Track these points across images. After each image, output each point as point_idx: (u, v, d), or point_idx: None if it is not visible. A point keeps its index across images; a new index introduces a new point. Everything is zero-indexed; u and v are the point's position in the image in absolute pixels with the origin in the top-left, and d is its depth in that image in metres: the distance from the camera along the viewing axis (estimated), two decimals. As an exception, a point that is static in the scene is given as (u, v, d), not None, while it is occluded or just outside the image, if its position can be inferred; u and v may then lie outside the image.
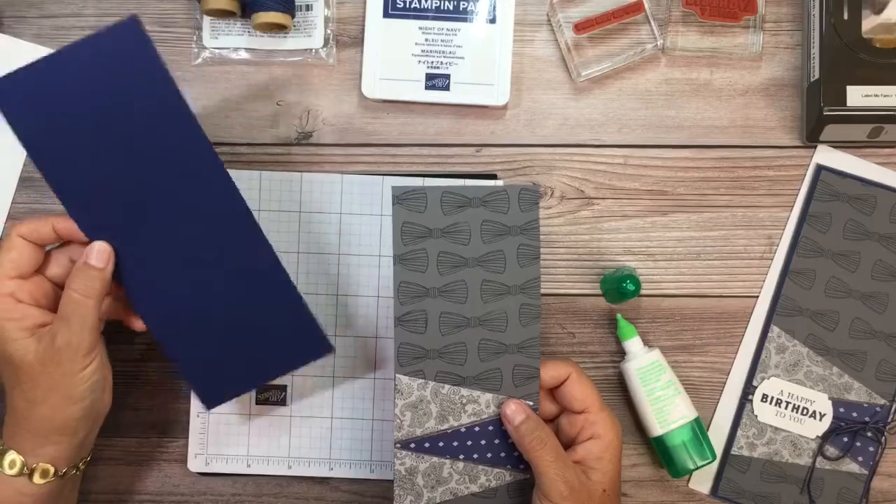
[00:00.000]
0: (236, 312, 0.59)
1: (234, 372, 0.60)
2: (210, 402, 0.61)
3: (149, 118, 0.55)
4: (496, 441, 0.58)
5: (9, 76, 0.54)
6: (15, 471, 0.55)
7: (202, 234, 0.57)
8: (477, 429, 0.57)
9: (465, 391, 0.57)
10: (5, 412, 0.56)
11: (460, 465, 0.57)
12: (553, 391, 0.60)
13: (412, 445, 0.57)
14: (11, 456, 0.55)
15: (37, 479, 0.55)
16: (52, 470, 0.56)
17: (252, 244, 0.58)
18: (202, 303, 0.58)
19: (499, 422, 0.57)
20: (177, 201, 0.57)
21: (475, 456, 0.58)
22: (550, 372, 0.58)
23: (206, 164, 0.56)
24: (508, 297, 0.57)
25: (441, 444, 0.57)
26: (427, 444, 0.57)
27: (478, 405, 0.57)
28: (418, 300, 0.57)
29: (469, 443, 0.57)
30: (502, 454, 0.58)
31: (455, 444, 0.57)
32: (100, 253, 0.55)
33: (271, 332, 0.59)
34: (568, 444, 0.58)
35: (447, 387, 0.57)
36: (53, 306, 0.56)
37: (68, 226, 0.56)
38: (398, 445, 0.57)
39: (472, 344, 0.57)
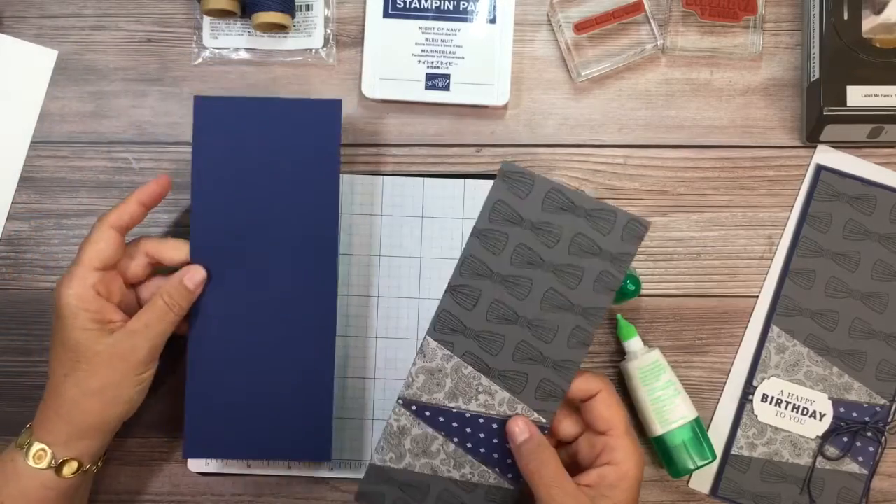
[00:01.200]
0: (268, 386, 0.60)
1: (231, 436, 0.61)
2: (191, 453, 0.61)
3: (303, 186, 0.60)
4: (494, 441, 0.57)
5: (213, 99, 0.61)
6: (43, 464, 0.55)
7: (283, 304, 0.60)
8: (481, 420, 0.56)
9: (485, 381, 0.56)
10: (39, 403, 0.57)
11: (451, 447, 0.57)
12: (579, 407, 0.58)
13: (413, 408, 0.56)
14: (38, 447, 0.55)
15: (65, 472, 0.56)
16: (77, 465, 0.56)
17: (320, 338, 0.61)
18: (246, 362, 0.61)
19: (504, 424, 0.57)
20: (280, 266, 0.60)
21: (468, 445, 0.57)
22: (581, 385, 0.56)
23: (324, 250, 0.60)
24: (567, 314, 0.55)
25: (442, 419, 0.56)
26: (428, 413, 0.56)
27: (491, 399, 0.56)
28: (478, 279, 0.55)
29: (468, 430, 0.57)
30: (495, 455, 0.57)
31: (455, 425, 0.56)
32: (195, 276, 0.58)
33: (287, 418, 0.61)
34: (586, 467, 0.56)
35: (470, 369, 0.56)
36: (122, 303, 0.58)
37: (150, 192, 0.58)
38: (400, 402, 0.57)
39: (511, 341, 0.56)
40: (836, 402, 0.66)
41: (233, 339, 0.61)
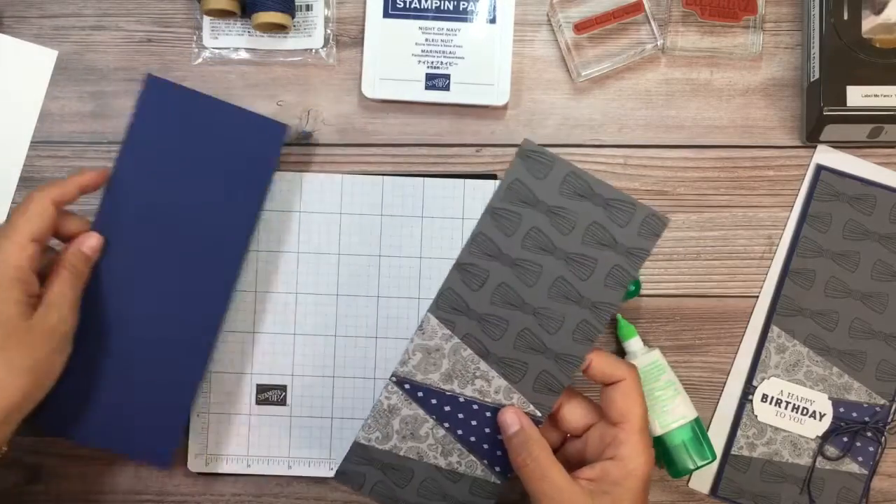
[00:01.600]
0: (133, 381, 0.61)
1: (84, 420, 0.61)
2: (43, 429, 0.61)
3: (226, 196, 0.62)
4: (486, 430, 0.55)
5: (165, 82, 0.62)
6: None
7: (170, 306, 0.61)
8: (475, 406, 0.55)
9: (483, 366, 0.54)
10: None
11: (441, 432, 0.55)
12: (599, 391, 0.56)
13: (407, 386, 0.55)
14: None
15: None
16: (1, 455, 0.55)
17: (195, 349, 0.62)
18: (120, 352, 0.61)
19: (497, 413, 0.55)
20: (178, 267, 0.61)
21: (459, 432, 0.55)
22: (608, 367, 0.54)
23: (228, 264, 0.62)
24: (575, 306, 0.54)
25: (434, 401, 0.55)
26: (420, 394, 0.55)
27: (487, 385, 0.54)
28: (487, 259, 0.54)
29: (461, 416, 0.55)
30: (485, 446, 0.55)
31: (447, 409, 0.55)
32: (91, 242, 0.58)
33: (143, 417, 0.62)
34: (594, 460, 0.54)
35: (469, 352, 0.54)
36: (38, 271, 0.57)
37: (90, 181, 0.59)
38: (394, 379, 0.55)
39: (514, 327, 0.54)
40: (836, 402, 0.66)
41: (113, 325, 0.61)
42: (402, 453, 0.55)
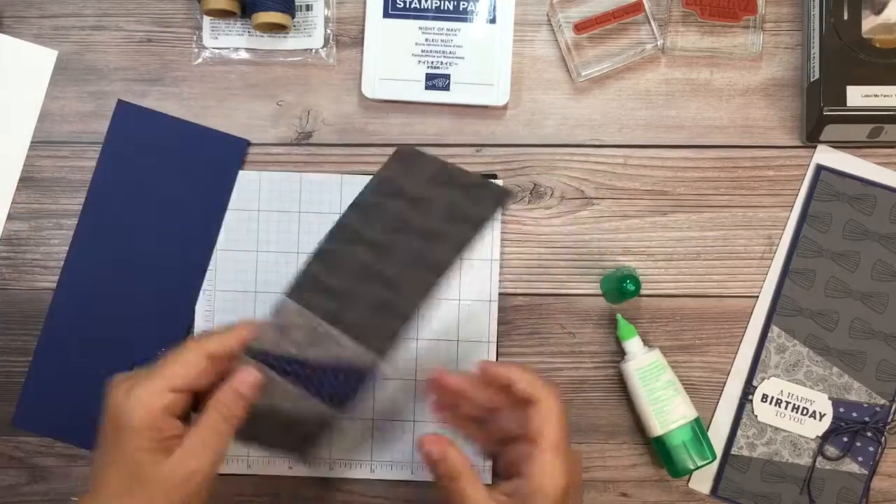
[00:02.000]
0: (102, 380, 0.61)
1: (61, 418, 0.66)
2: (21, 424, 0.67)
3: (192, 209, 0.67)
4: (339, 377, 0.53)
5: (134, 106, 0.68)
6: None
7: (142, 312, 0.66)
8: (329, 365, 0.53)
9: (334, 332, 0.53)
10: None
11: (293, 388, 0.53)
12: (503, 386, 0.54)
13: (260, 359, 0.53)
14: None
15: None
16: None
17: (168, 340, 0.66)
18: (91, 355, 0.66)
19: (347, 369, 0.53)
20: (146, 281, 0.66)
21: (311, 388, 0.53)
22: (528, 387, 0.52)
23: (196, 260, 0.66)
24: (424, 270, 0.53)
25: (287, 367, 0.53)
26: (273, 361, 0.53)
27: (339, 347, 0.53)
28: (347, 244, 0.54)
29: (314, 375, 0.53)
30: (332, 388, 0.53)
31: (300, 371, 0.53)
32: (247, 379, 0.52)
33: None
34: (514, 471, 0.53)
35: (324, 324, 0.53)
36: (182, 414, 0.52)
37: (250, 335, 0.53)
38: (248, 355, 0.53)
39: (367, 298, 0.53)
40: (836, 402, 0.66)
41: (87, 328, 0.66)
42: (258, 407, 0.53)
